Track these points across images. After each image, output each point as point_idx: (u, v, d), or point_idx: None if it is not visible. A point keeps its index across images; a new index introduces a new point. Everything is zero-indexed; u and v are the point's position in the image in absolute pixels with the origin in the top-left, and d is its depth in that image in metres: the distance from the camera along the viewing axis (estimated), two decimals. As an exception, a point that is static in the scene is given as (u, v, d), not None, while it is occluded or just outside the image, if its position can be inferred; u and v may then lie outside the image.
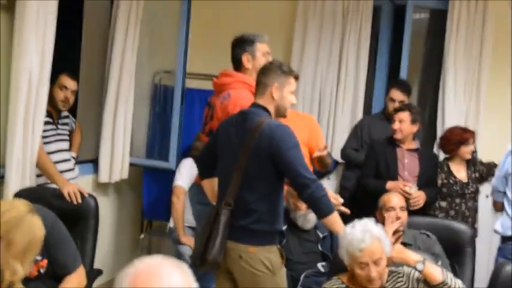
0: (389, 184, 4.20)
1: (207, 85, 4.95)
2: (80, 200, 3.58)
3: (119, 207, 5.18)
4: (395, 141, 4.34)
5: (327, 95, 5.36)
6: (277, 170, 2.89)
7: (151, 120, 5.28)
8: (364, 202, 4.09)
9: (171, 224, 4.65)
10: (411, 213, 3.87)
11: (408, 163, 4.31)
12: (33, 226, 2.42)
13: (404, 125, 4.25)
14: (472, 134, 4.60)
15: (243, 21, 5.57)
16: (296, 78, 3.09)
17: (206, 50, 5.52)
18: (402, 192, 4.08)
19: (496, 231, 3.68)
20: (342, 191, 4.99)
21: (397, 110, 4.35)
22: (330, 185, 5.12)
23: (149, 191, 5.18)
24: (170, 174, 4.82)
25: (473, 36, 5.11)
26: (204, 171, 3.24)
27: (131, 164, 4.97)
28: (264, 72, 3.05)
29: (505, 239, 3.59)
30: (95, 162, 4.86)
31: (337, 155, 5.18)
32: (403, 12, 5.37)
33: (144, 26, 4.87)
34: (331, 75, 5.38)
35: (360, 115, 5.31)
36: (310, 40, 5.40)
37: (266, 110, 2.99)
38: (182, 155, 4.95)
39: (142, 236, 5.27)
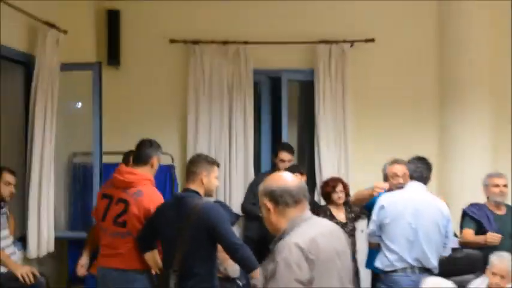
0: None
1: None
2: (32, 281, 4.16)
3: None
4: None
5: (221, 159, 6.23)
6: (213, 240, 3.71)
7: (71, 197, 5.86)
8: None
9: None
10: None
11: None
12: None
13: None
14: (337, 182, 5.61)
15: (141, 99, 6.42)
16: (218, 166, 3.92)
17: (120, 128, 6.23)
18: None
19: (377, 268, 4.43)
20: (245, 240, 5.85)
21: (299, 172, 5.25)
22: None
23: (75, 262, 5.70)
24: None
25: (336, 101, 6.30)
26: (145, 247, 3.96)
27: (56, 238, 5.51)
28: (194, 163, 3.88)
29: (385, 272, 4.34)
30: (21, 239, 5.33)
31: (237, 209, 6.08)
32: (279, 82, 6.44)
33: (59, 112, 5.48)
34: (223, 142, 6.32)
35: (251, 173, 6.28)
36: (203, 113, 6.31)
37: (197, 193, 3.81)
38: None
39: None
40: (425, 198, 4.43)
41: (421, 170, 4.47)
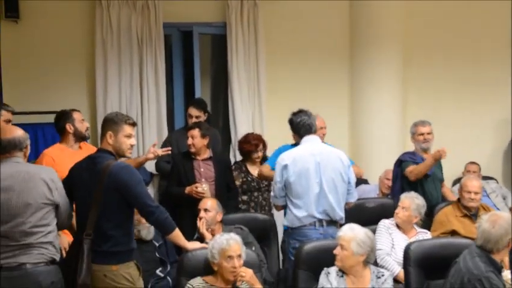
0: (187, 189, 4.91)
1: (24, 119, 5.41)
2: None
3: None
4: (191, 154, 5.09)
5: (134, 116, 5.99)
6: (126, 201, 3.57)
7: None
8: (181, 208, 4.89)
9: None
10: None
11: (204, 171, 5.06)
12: None
13: (196, 140, 5.02)
14: (259, 142, 5.58)
15: (45, 54, 6.07)
16: (130, 124, 3.73)
17: (22, 86, 5.88)
18: (196, 193, 4.82)
19: (286, 225, 4.37)
20: (161, 199, 5.74)
21: (188, 129, 5.10)
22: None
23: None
24: None
25: (249, 54, 6.21)
26: None
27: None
28: (102, 123, 3.71)
29: (292, 229, 4.31)
30: None
31: (151, 168, 5.93)
32: (191, 36, 6.26)
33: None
34: (135, 98, 6.10)
35: (165, 130, 6.12)
36: (112, 68, 6.04)
37: (111, 153, 3.64)
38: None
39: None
40: (323, 150, 4.37)
41: (306, 122, 4.38)
